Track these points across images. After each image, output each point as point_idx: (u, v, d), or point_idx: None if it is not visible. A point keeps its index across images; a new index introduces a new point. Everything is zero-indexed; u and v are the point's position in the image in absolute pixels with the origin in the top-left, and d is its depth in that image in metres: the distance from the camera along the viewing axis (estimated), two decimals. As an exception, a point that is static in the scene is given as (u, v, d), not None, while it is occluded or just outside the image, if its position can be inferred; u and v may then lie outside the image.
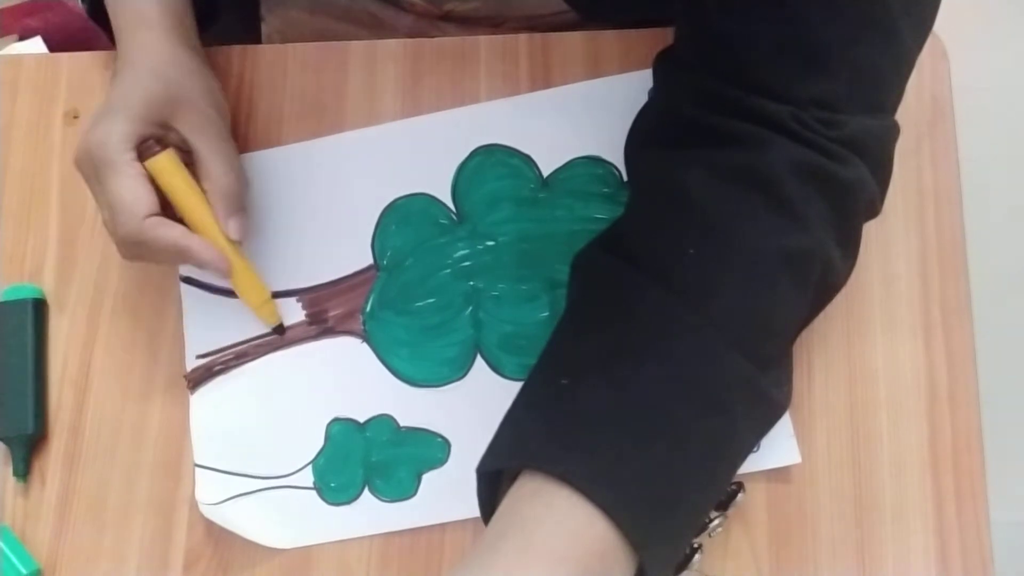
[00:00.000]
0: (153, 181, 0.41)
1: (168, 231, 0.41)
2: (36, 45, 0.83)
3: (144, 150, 0.41)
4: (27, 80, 0.51)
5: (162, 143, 0.42)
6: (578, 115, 0.47)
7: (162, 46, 0.43)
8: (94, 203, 0.48)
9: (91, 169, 0.40)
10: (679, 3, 0.40)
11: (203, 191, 0.42)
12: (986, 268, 0.55)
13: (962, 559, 0.42)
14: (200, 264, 0.42)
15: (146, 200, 0.40)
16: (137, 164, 0.41)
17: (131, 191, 0.40)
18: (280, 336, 0.46)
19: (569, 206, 0.46)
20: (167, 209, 0.42)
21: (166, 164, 0.41)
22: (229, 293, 0.47)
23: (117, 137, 0.40)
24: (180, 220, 0.42)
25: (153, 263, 0.44)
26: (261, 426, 0.45)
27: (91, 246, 0.48)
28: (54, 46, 0.83)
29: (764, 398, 0.36)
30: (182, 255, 0.41)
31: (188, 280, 0.47)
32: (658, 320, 0.35)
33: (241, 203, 0.43)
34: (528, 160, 0.47)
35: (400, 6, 0.55)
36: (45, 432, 0.45)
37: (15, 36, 0.85)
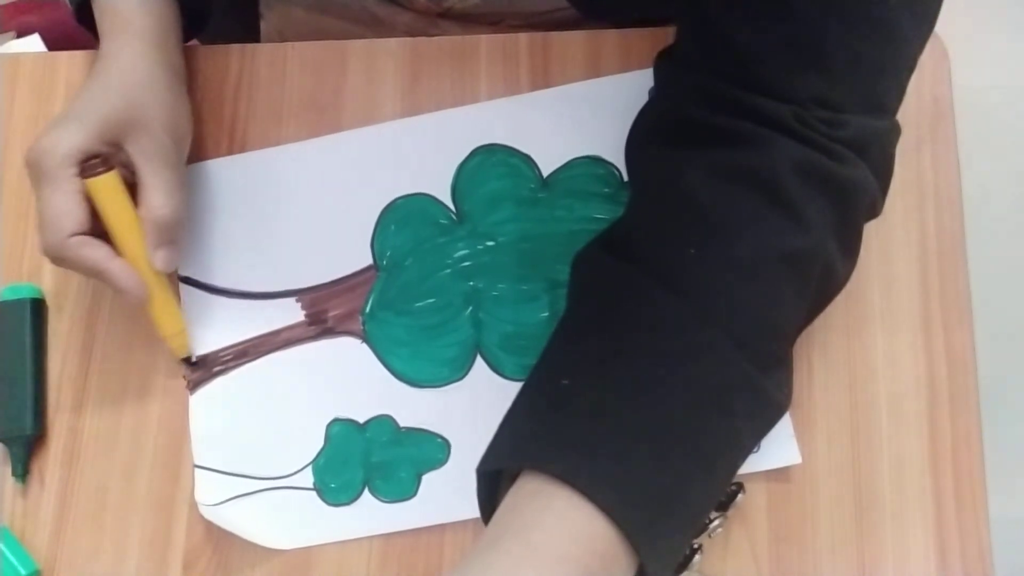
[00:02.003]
0: (90, 198, 0.41)
1: (90, 252, 0.41)
2: (34, 42, 0.83)
3: (87, 168, 0.41)
4: (25, 79, 0.50)
5: (107, 163, 0.41)
6: (578, 115, 0.47)
7: (138, 61, 0.43)
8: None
9: (34, 175, 0.41)
10: (680, 2, 0.40)
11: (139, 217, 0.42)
12: (986, 268, 0.55)
13: (962, 558, 0.42)
14: (117, 289, 0.41)
15: (75, 218, 0.40)
16: (76, 180, 0.40)
17: (62, 206, 0.40)
18: (276, 336, 0.46)
19: (569, 206, 0.46)
20: (101, 226, 0.42)
21: (106, 186, 0.41)
22: (228, 294, 0.47)
23: (64, 150, 0.40)
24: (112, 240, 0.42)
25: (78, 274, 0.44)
26: (261, 427, 0.45)
27: (90, 246, 0.48)
28: (52, 43, 0.83)
29: (765, 399, 0.36)
30: (101, 277, 0.41)
31: (187, 280, 0.47)
32: (658, 321, 0.35)
33: (173, 235, 0.43)
34: (528, 160, 0.47)
35: (399, 3, 0.55)
36: (44, 432, 0.45)
37: (12, 33, 0.85)
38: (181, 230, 0.44)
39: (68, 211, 0.40)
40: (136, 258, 0.42)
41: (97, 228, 0.41)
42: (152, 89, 0.43)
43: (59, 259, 0.41)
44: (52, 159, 0.40)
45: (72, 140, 0.40)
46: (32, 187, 0.41)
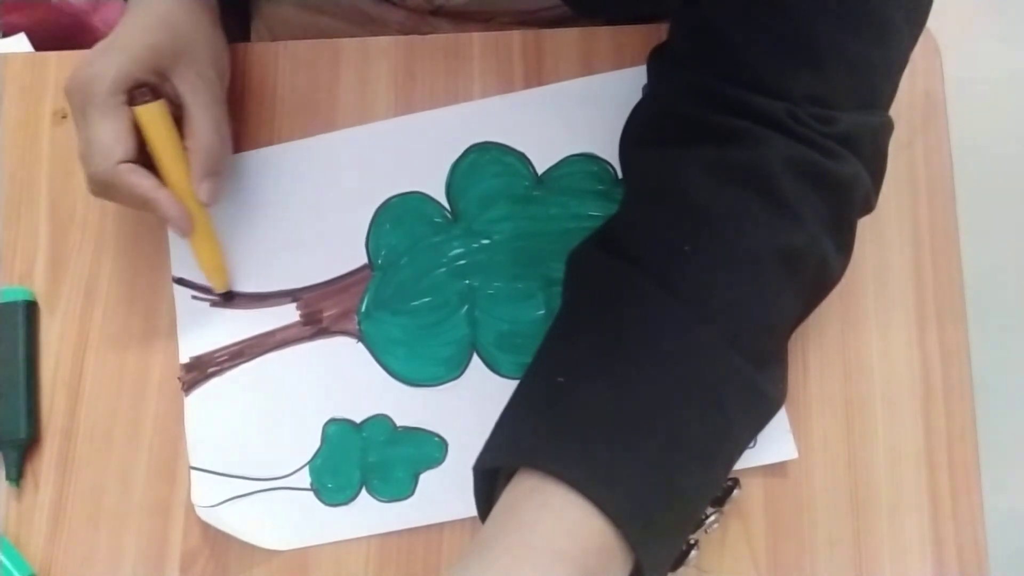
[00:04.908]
0: (137, 128, 0.41)
1: (139, 180, 0.41)
2: (20, 42, 0.82)
3: (136, 95, 0.41)
4: (15, 79, 0.50)
5: (155, 92, 0.42)
6: (572, 112, 0.47)
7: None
8: (84, 203, 0.48)
9: (79, 102, 0.40)
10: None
11: (185, 149, 0.42)
12: (979, 261, 0.55)
13: (957, 550, 0.42)
14: (163, 218, 0.42)
15: (124, 145, 0.40)
16: (125, 108, 0.40)
17: (112, 133, 0.40)
18: (272, 336, 0.46)
19: (564, 204, 0.46)
20: (144, 157, 0.42)
21: (154, 114, 0.41)
22: (223, 294, 0.46)
23: (113, 76, 0.40)
24: (156, 171, 0.42)
25: (118, 204, 0.44)
26: (257, 428, 0.45)
27: (82, 247, 0.48)
28: (38, 43, 0.82)
29: (760, 395, 0.36)
30: (147, 206, 0.41)
31: (181, 281, 0.47)
32: (654, 317, 0.35)
33: (219, 167, 0.43)
34: (522, 158, 0.47)
35: (391, 1, 0.55)
36: (38, 436, 0.45)
37: (-1, 32, 0.84)
38: (226, 163, 0.44)
39: (119, 137, 0.40)
40: (180, 189, 0.42)
41: (141, 159, 0.41)
42: (193, 25, 0.43)
43: (106, 186, 0.41)
44: (101, 85, 0.40)
45: (121, 67, 0.40)
46: (74, 115, 0.41)
